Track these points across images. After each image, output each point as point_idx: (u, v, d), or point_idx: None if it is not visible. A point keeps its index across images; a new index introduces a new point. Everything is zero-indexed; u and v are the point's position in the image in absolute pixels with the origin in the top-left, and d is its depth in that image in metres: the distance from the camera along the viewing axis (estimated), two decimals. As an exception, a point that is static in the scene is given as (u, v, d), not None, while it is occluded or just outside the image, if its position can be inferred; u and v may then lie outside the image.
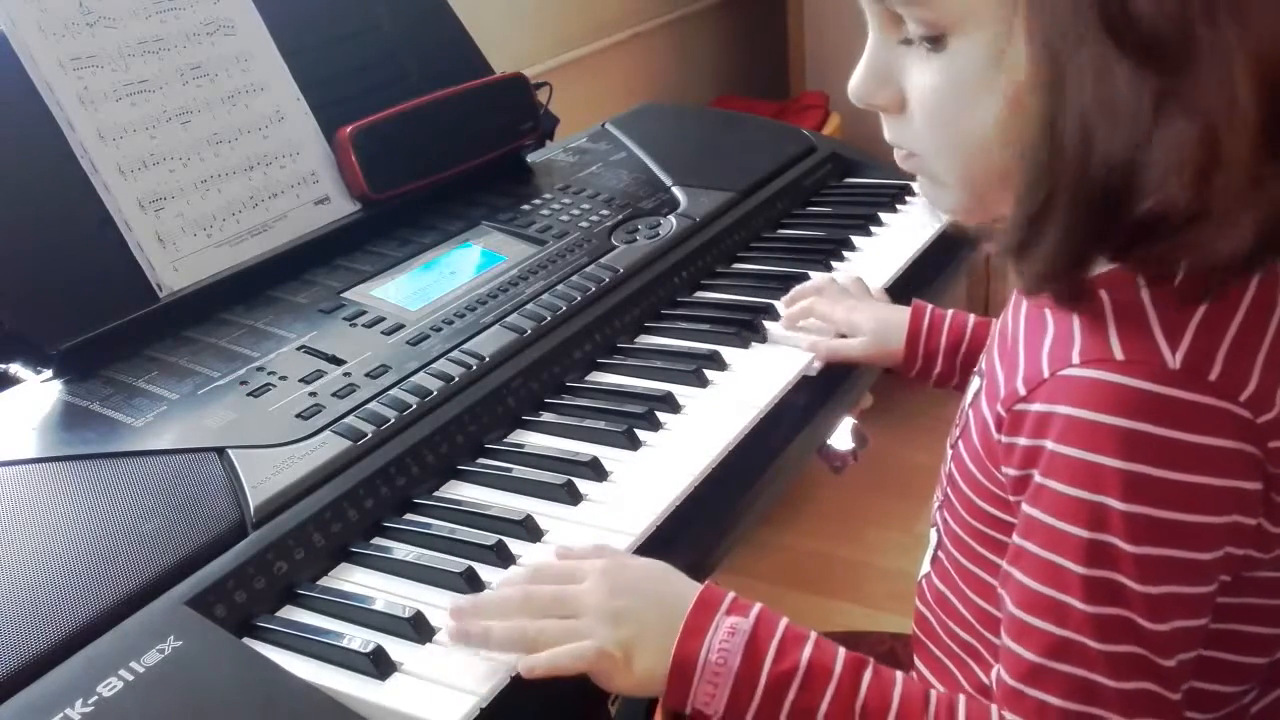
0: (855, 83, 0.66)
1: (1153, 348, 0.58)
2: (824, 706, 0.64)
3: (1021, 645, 0.61)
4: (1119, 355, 0.58)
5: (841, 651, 0.67)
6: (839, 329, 1.03)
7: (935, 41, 0.61)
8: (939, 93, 0.62)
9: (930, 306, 1.01)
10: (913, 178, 1.29)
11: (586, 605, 0.69)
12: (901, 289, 1.16)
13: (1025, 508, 0.62)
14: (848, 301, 1.05)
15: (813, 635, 0.68)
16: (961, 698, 0.65)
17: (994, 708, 0.63)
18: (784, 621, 0.68)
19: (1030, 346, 0.64)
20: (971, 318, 1.00)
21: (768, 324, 1.06)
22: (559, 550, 0.75)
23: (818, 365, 1.00)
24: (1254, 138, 0.53)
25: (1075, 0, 0.54)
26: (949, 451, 0.75)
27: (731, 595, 0.69)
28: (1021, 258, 0.60)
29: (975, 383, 0.74)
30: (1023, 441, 0.62)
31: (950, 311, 1.01)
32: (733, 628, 0.66)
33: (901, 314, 1.02)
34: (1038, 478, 0.61)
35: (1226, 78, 0.53)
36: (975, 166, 0.62)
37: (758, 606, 0.68)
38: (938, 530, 0.77)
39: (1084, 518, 0.58)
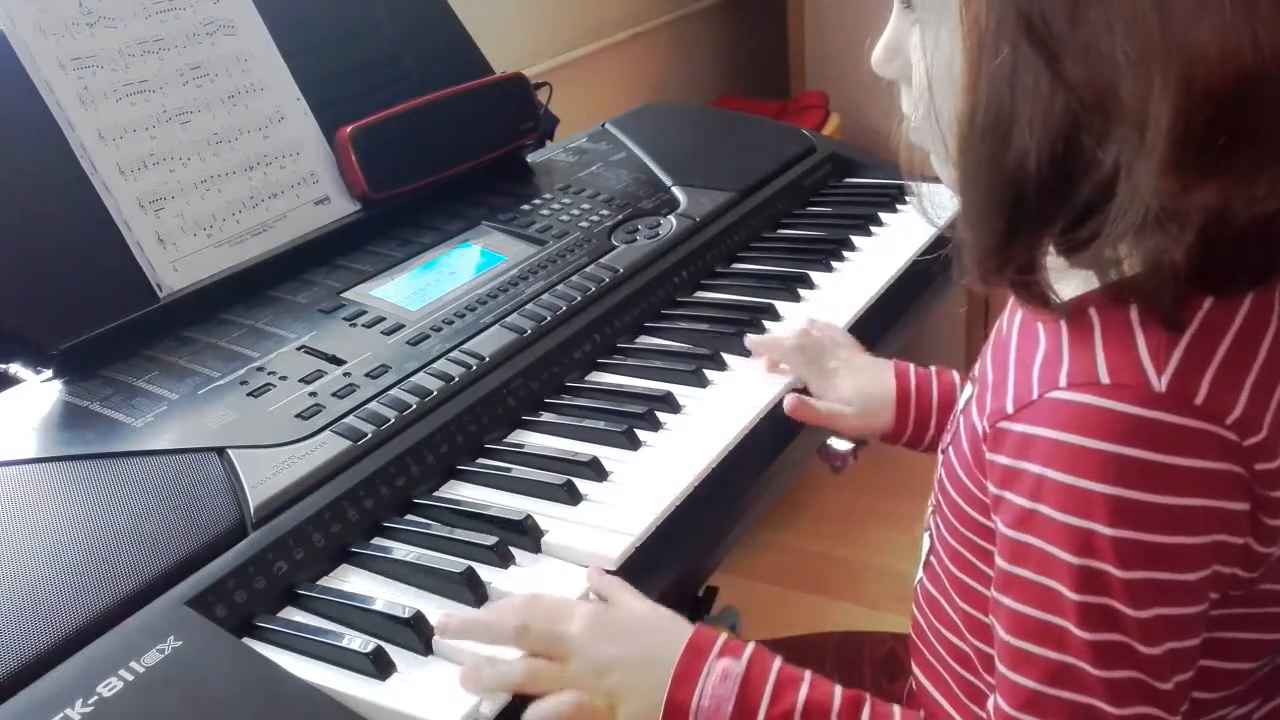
0: (874, 54, 0.69)
1: (1139, 370, 0.58)
2: None
3: (1020, 673, 0.61)
4: (1105, 379, 0.58)
5: (838, 690, 0.67)
6: (815, 392, 0.97)
7: (925, 24, 0.63)
8: (922, 75, 0.64)
9: (912, 366, 0.97)
10: (914, 178, 1.28)
11: (574, 651, 0.68)
12: (901, 290, 1.16)
13: (1012, 532, 0.61)
14: (831, 363, 0.99)
15: (808, 675, 0.67)
16: None
17: None
18: (778, 662, 0.68)
19: (1020, 362, 0.64)
20: (956, 377, 0.96)
21: (767, 324, 1.06)
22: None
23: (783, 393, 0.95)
24: (1171, 147, 0.53)
25: (1000, 5, 0.56)
26: (940, 457, 0.75)
27: (724, 637, 0.68)
28: (961, 249, 0.62)
29: (968, 389, 0.74)
30: (1002, 460, 0.62)
31: (934, 370, 0.97)
32: (725, 672, 0.66)
33: (883, 378, 0.97)
34: (1026, 502, 0.60)
35: (1146, 88, 0.53)
36: (948, 144, 0.63)
37: (751, 647, 0.68)
38: (930, 535, 0.77)
39: (1073, 543, 0.58)
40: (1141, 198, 0.54)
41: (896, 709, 0.67)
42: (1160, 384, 0.57)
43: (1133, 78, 0.53)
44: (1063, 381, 0.60)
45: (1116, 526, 0.57)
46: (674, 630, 0.69)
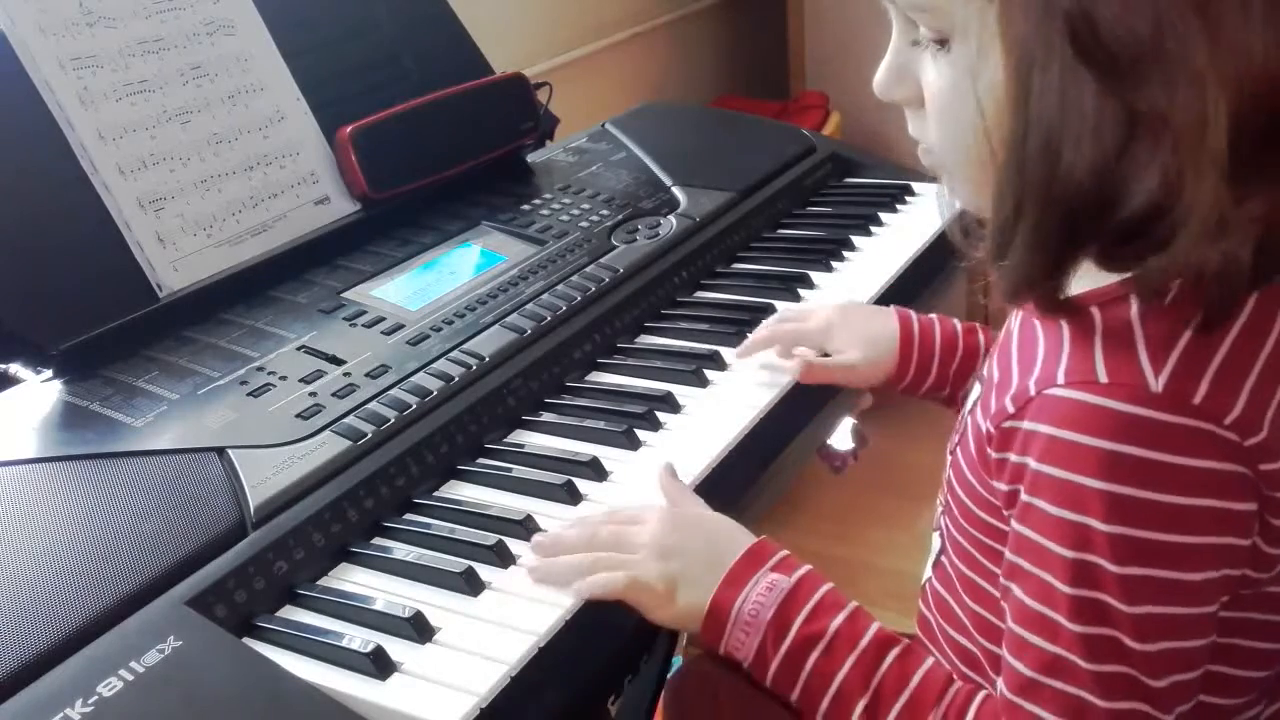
0: (877, 79, 0.68)
1: (1136, 370, 0.58)
2: (842, 674, 0.67)
3: (1018, 659, 0.62)
4: (1102, 377, 0.59)
5: (875, 627, 0.69)
6: (813, 345, 0.97)
7: (942, 44, 0.62)
8: (942, 93, 0.63)
9: (914, 313, 0.97)
10: (914, 178, 1.29)
11: (642, 542, 0.74)
12: (901, 289, 1.16)
13: (1015, 525, 0.62)
14: (820, 314, 0.99)
15: (851, 605, 0.70)
16: (980, 696, 0.66)
17: (1002, 717, 0.63)
18: (826, 587, 0.71)
19: (1023, 362, 0.64)
20: (958, 323, 0.97)
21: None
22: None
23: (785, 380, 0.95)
24: (1226, 156, 0.53)
25: (1044, 20, 0.55)
26: (949, 458, 0.75)
27: (782, 554, 0.72)
28: (997, 265, 0.61)
29: (975, 389, 0.74)
30: (1012, 458, 0.62)
31: (935, 317, 0.98)
32: (772, 584, 0.70)
33: (886, 322, 0.97)
34: (1024, 496, 0.61)
35: (1197, 98, 0.53)
36: (976, 168, 0.63)
37: (805, 568, 0.72)
38: (941, 535, 0.77)
39: (1068, 538, 0.59)
40: (1200, 209, 0.54)
41: (930, 659, 0.68)
42: (1157, 384, 0.57)
43: (1189, 89, 0.53)
44: (1060, 379, 0.60)
45: (1112, 522, 0.57)
46: (739, 536, 0.74)
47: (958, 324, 0.97)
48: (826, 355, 0.97)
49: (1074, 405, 0.59)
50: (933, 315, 0.98)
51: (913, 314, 0.98)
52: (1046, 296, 0.61)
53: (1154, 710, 0.59)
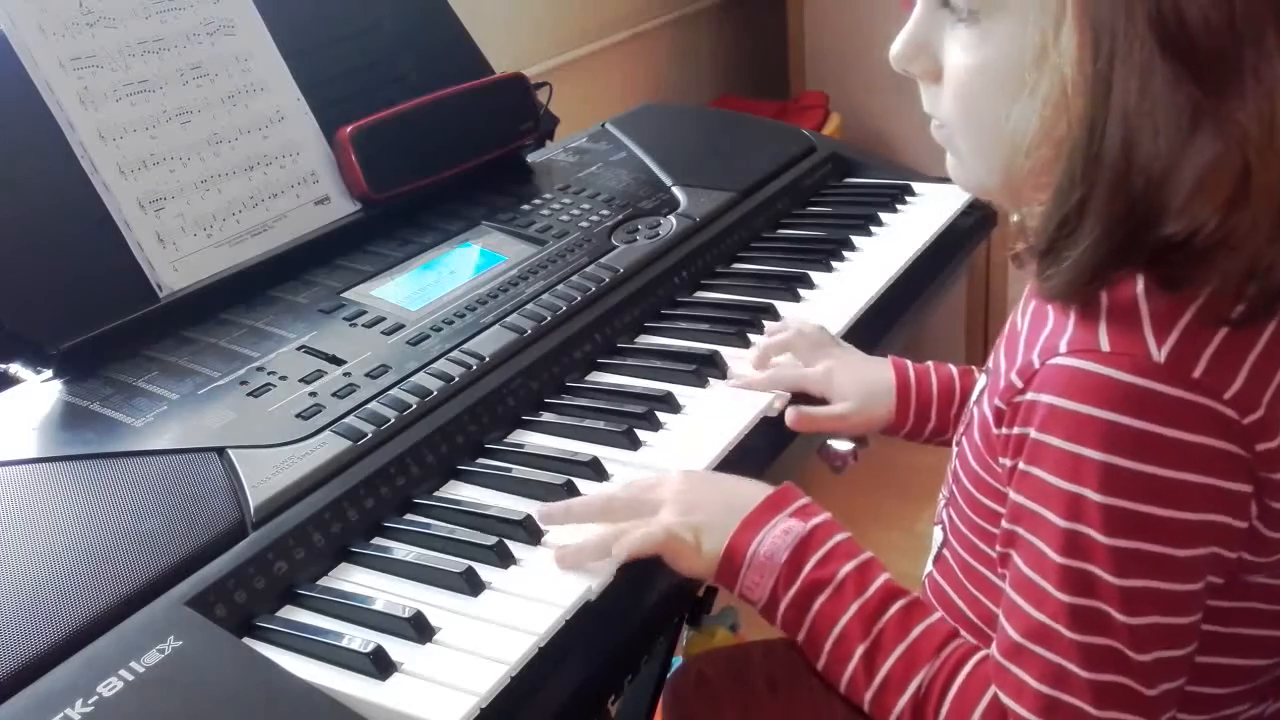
0: (895, 48, 0.67)
1: (1139, 341, 0.58)
2: (845, 618, 0.68)
3: (1009, 623, 0.63)
4: (1105, 347, 0.59)
5: (884, 577, 0.70)
6: (814, 392, 0.96)
7: (975, 19, 0.62)
8: (970, 72, 0.63)
9: (909, 361, 0.97)
10: (914, 178, 1.29)
11: (661, 500, 0.76)
12: (901, 290, 1.16)
13: (1013, 494, 0.63)
14: (823, 362, 0.97)
15: (864, 556, 0.71)
16: (976, 657, 0.66)
17: (991, 678, 0.64)
18: (841, 535, 0.72)
19: (1029, 342, 0.65)
20: (954, 368, 0.97)
21: (767, 324, 1.06)
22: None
23: (779, 405, 0.93)
24: None
25: (1129, 5, 0.54)
26: (954, 449, 0.76)
27: (802, 501, 0.74)
28: (1048, 261, 0.60)
29: (981, 380, 0.75)
30: (1016, 431, 0.63)
31: (930, 364, 0.97)
32: (788, 529, 0.71)
33: (882, 372, 0.96)
34: (1022, 465, 0.62)
35: (1266, 106, 0.53)
36: (999, 153, 0.62)
37: (823, 516, 0.73)
38: (944, 528, 0.77)
39: (1062, 507, 0.59)
40: (1263, 220, 0.54)
41: (936, 615, 0.69)
42: (1159, 355, 0.58)
43: (1261, 95, 0.53)
44: (1063, 348, 0.60)
45: (1106, 494, 0.58)
46: (756, 487, 0.76)
47: (954, 369, 0.97)
48: (826, 403, 0.96)
49: (1075, 373, 0.59)
50: (928, 363, 0.97)
51: (908, 363, 0.97)
52: (1082, 298, 0.60)
53: (1136, 684, 0.59)
